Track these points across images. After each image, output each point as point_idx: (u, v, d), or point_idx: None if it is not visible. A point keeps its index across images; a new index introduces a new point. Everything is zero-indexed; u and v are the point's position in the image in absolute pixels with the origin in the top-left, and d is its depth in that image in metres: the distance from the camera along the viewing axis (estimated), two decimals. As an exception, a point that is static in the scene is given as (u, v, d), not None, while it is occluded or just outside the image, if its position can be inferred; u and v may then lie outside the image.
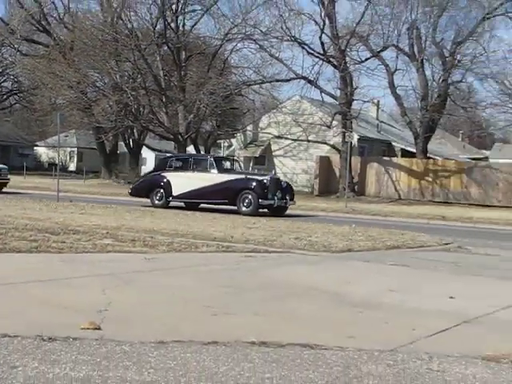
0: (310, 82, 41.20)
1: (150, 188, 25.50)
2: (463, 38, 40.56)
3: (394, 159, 44.51)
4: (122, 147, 58.78)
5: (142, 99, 43.54)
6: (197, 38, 45.49)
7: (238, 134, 51.09)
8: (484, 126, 56.00)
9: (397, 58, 41.85)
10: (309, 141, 44.69)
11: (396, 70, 41.77)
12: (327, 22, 40.22)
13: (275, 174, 30.28)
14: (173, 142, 45.30)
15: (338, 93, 41.35)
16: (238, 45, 43.36)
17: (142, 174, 48.28)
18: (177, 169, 25.35)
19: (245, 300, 6.93)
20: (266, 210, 23.31)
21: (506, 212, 32.49)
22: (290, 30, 40.49)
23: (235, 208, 23.17)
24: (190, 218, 18.59)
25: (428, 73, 42.02)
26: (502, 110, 43.06)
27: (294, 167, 47.93)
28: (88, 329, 5.15)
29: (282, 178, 28.96)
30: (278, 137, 46.38)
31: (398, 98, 42.54)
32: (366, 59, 41.70)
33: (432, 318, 6.38)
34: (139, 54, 41.48)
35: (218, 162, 25.13)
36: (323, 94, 42.06)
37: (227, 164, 26.61)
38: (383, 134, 53.50)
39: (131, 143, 55.33)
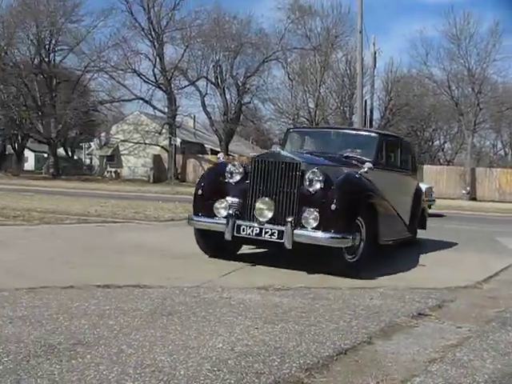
0: (146, 101, 42.03)
1: None
2: (251, 74, 42.56)
3: (206, 156, 45.17)
4: (9, 149, 55.97)
5: (23, 113, 42.11)
6: (64, 69, 44.81)
7: (95, 139, 51.79)
8: (265, 133, 57.88)
9: (206, 85, 43.66)
10: (145, 143, 45.45)
11: (206, 93, 43.69)
12: (158, 59, 41.06)
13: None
14: (47, 145, 44.39)
15: (166, 109, 42.01)
16: (95, 75, 43.76)
17: (25, 169, 46.91)
18: None
19: (95, 256, 6.76)
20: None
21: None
22: (131, 65, 41.45)
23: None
24: (57, 200, 17.61)
25: (228, 96, 43.69)
26: (277, 123, 46.60)
27: (136, 162, 48.17)
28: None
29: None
30: (124, 140, 46.69)
31: (207, 113, 44.24)
32: (185, 86, 43.05)
33: (224, 265, 6.45)
34: (21, 80, 40.64)
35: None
36: (156, 111, 43.04)
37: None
38: (198, 139, 54.05)
39: (16, 146, 53.81)
